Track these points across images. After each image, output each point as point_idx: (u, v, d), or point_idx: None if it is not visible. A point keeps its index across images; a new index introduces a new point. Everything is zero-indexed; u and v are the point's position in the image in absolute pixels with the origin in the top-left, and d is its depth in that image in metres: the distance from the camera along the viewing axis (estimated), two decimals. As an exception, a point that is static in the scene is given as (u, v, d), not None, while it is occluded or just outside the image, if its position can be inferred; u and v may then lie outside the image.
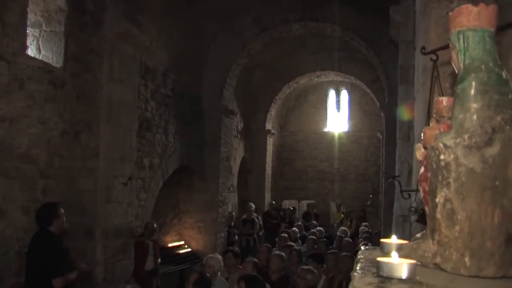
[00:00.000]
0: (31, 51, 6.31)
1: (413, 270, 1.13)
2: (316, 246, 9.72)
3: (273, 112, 17.82)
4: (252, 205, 13.97)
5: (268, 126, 17.56)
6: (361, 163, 20.03)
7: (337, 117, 20.81)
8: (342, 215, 16.80)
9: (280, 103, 18.64)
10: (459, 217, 1.24)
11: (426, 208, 1.40)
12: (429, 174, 1.34)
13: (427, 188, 1.39)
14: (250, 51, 12.63)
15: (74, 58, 6.67)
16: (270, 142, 18.02)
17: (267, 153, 17.66)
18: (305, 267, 6.53)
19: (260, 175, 17.40)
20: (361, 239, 10.76)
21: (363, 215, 16.50)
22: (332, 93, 20.86)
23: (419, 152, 1.54)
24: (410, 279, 1.11)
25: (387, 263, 1.15)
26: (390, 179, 6.58)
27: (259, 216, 14.30)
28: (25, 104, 5.77)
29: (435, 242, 1.28)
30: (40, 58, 6.34)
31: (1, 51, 5.36)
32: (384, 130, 12.60)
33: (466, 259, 1.23)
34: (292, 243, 9.52)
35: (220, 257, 6.71)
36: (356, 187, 19.97)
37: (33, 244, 5.10)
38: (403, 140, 6.48)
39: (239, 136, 15.40)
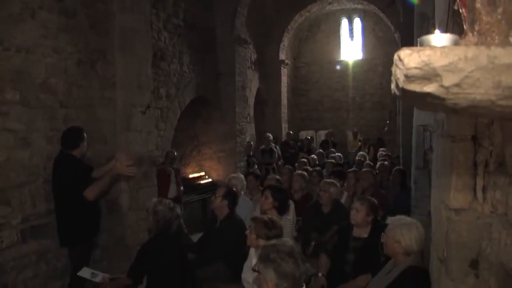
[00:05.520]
0: (38, -20, 6.19)
1: (456, 41, 1.10)
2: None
3: (286, 42, 17.57)
4: (270, 135, 14.04)
5: (282, 56, 17.38)
6: (376, 91, 19.87)
7: (351, 45, 20.52)
8: (360, 143, 16.85)
9: (293, 34, 18.37)
10: (501, -2, 1.19)
11: (462, 10, 1.35)
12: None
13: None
14: (260, -22, 12.35)
15: (83, -13, 6.57)
16: (285, 72, 17.89)
17: (282, 83, 17.56)
18: (327, 180, 6.59)
19: (276, 106, 17.38)
20: (380, 161, 10.80)
21: (380, 142, 16.54)
22: (345, 22, 20.51)
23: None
24: None
25: (429, 37, 1.12)
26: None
27: (277, 146, 14.38)
28: (39, 33, 5.73)
29: (475, 33, 1.25)
30: (48, -14, 6.24)
31: (9, -21, 5.28)
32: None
33: (511, 38, 1.19)
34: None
35: (242, 176, 6.80)
36: (372, 115, 19.93)
37: (57, 165, 5.24)
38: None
39: (253, 67, 15.27)
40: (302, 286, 2.92)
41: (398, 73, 1.07)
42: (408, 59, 1.03)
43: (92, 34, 6.62)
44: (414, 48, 1.04)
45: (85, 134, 5.45)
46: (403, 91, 1.06)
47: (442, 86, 1.04)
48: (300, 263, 2.90)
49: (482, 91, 1.02)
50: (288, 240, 3.25)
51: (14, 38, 5.28)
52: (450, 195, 2.42)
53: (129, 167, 5.43)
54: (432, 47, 1.03)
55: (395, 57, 1.04)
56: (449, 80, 1.02)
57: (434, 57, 1.01)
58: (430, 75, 1.03)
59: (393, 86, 1.12)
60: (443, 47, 1.03)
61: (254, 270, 2.94)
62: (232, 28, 11.95)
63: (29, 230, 5.19)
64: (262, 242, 3.80)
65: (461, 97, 1.04)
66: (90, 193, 5.13)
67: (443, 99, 1.05)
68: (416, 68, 1.03)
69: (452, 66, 1.01)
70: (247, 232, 4.32)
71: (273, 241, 3.14)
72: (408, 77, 1.05)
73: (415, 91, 1.07)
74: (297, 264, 2.87)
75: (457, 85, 1.02)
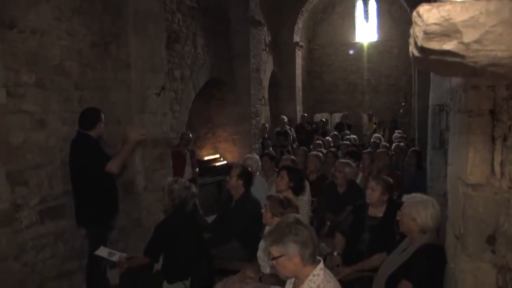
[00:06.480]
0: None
1: None
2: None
3: (300, 24, 17.44)
4: (285, 117, 14.02)
5: (296, 38, 17.25)
6: (392, 73, 19.69)
7: (366, 27, 20.33)
8: (375, 125, 16.76)
9: (307, 16, 18.21)
10: None
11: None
12: None
13: None
14: (274, -41, 12.24)
15: (95, -32, 6.54)
16: (299, 55, 17.77)
17: (297, 66, 17.45)
18: (342, 160, 6.57)
19: (290, 88, 17.30)
20: (395, 142, 10.75)
21: (395, 124, 16.45)
22: (359, 3, 20.31)
23: None
24: None
25: None
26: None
27: (292, 128, 14.37)
28: (53, 16, 5.74)
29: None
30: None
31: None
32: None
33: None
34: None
35: (257, 157, 6.81)
36: (388, 97, 19.79)
37: (74, 146, 5.28)
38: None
39: (267, 50, 15.19)
40: (321, 261, 2.91)
41: (416, 30, 1.04)
42: (428, 14, 0.99)
43: (106, 16, 6.61)
44: (434, 3, 1.01)
45: (102, 115, 5.49)
46: (422, 50, 1.03)
47: (462, 42, 1.00)
48: (310, 228, 2.93)
49: (503, 47, 0.98)
50: (289, 215, 3.24)
51: (29, 20, 5.29)
52: (467, 170, 2.39)
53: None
54: (452, 2, 1.00)
55: (414, 14, 1.02)
56: (469, 36, 0.99)
57: (454, 12, 0.98)
58: (450, 31, 1.00)
59: (411, 48, 1.09)
60: (463, 1, 0.99)
61: (272, 259, 2.88)
62: (246, 9, 11.86)
63: (46, 211, 5.25)
64: (277, 220, 3.80)
65: (482, 55, 1.00)
66: (113, 166, 5.13)
67: (463, 57, 1.01)
68: (435, 24, 1.00)
69: (473, 20, 0.97)
70: (263, 210, 4.33)
71: (274, 223, 3.18)
72: (427, 34, 1.01)
73: (434, 49, 1.03)
74: (308, 229, 2.88)
75: (478, 41, 0.99)
